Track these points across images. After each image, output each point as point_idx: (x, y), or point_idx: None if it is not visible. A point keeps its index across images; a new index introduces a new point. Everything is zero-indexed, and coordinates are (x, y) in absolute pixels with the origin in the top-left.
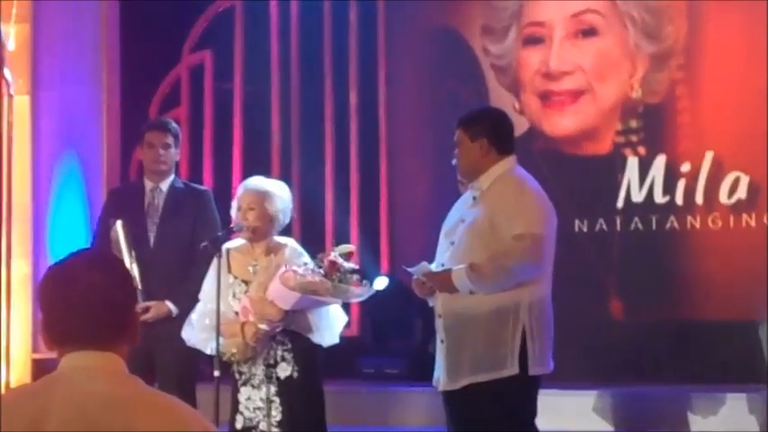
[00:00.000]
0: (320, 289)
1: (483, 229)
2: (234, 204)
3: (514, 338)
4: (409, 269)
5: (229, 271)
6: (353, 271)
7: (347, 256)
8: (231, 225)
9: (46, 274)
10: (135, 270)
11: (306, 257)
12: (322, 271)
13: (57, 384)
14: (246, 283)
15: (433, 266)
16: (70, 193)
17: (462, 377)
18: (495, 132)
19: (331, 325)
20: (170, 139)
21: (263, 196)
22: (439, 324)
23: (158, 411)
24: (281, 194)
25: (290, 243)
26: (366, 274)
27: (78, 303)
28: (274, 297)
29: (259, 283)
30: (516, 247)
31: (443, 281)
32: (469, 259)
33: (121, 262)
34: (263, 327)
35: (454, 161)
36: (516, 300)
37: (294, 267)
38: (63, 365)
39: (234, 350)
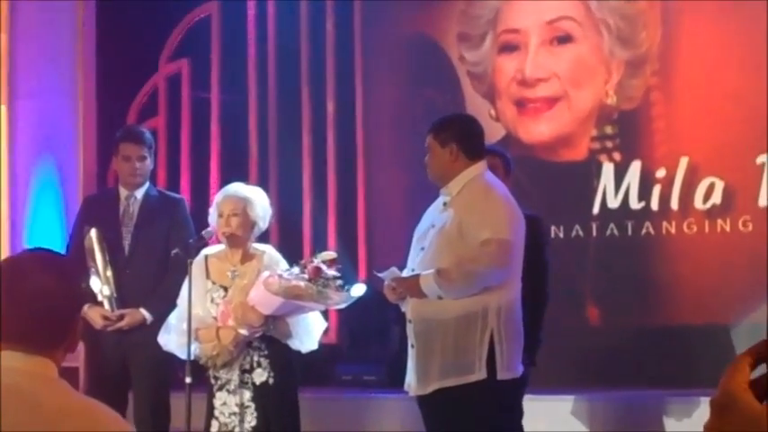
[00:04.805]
0: (304, 294)
1: (452, 234)
2: (212, 211)
3: (482, 343)
4: (379, 274)
5: (208, 276)
6: (335, 278)
7: (329, 263)
8: (203, 232)
9: None
10: (109, 277)
11: (284, 264)
12: (306, 276)
13: None
14: (225, 288)
15: (405, 272)
16: (47, 201)
17: (431, 382)
18: (464, 138)
19: (310, 331)
20: (145, 151)
21: (244, 203)
22: (410, 329)
23: (74, 414)
24: (261, 201)
25: (269, 250)
26: (345, 281)
27: (21, 303)
28: (256, 302)
29: (240, 288)
30: (483, 253)
31: (412, 286)
32: (438, 264)
33: (74, 268)
34: (243, 332)
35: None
36: (484, 305)
37: (278, 272)
38: None
39: (214, 353)
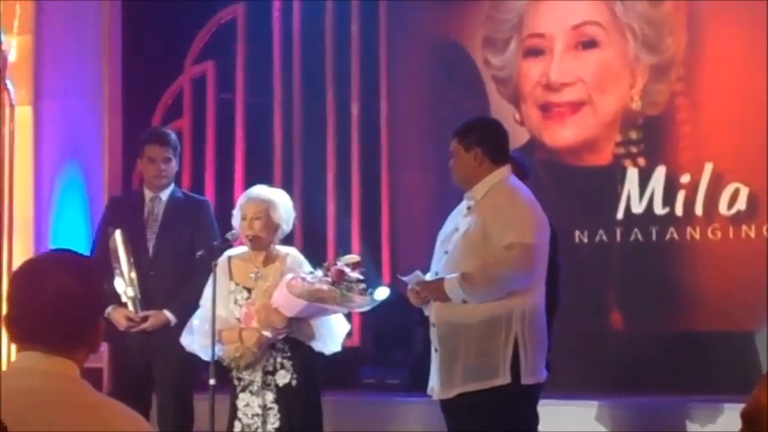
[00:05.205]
0: (327, 297)
1: (476, 238)
2: (236, 213)
3: (506, 347)
4: (403, 278)
5: (231, 278)
6: (359, 281)
7: (353, 267)
8: (227, 234)
9: (19, 267)
10: (134, 279)
11: (307, 266)
12: (329, 279)
13: (8, 381)
14: (248, 290)
15: (428, 276)
16: (72, 202)
17: (455, 386)
18: (489, 142)
19: (333, 333)
20: (170, 153)
21: (267, 205)
22: (433, 333)
23: (96, 414)
24: (284, 203)
25: (292, 252)
26: (368, 285)
27: (42, 304)
28: (279, 304)
29: (264, 290)
30: (507, 257)
31: (436, 290)
32: (462, 268)
33: (96, 268)
34: (267, 333)
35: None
36: (508, 309)
37: (302, 275)
38: (15, 363)
39: (237, 355)
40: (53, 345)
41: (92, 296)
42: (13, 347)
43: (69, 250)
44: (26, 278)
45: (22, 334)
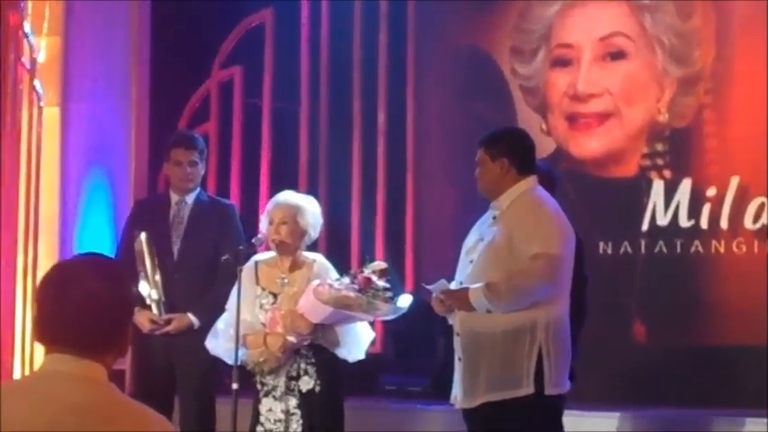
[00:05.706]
0: (353, 304)
1: (501, 248)
2: (264, 218)
3: (530, 358)
4: (428, 286)
5: (257, 282)
6: (385, 289)
7: (379, 274)
8: (253, 239)
9: (49, 270)
10: (158, 282)
11: (333, 273)
12: (356, 286)
13: (37, 384)
14: (274, 295)
15: (453, 284)
16: (98, 205)
17: (478, 395)
18: (515, 152)
19: (359, 341)
20: (196, 156)
21: (295, 211)
22: (457, 342)
23: (123, 416)
24: (312, 209)
25: (319, 258)
26: (393, 293)
27: (72, 308)
28: (305, 310)
29: (290, 295)
30: (532, 267)
31: (461, 299)
32: (487, 278)
33: (126, 274)
34: (292, 339)
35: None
36: (532, 319)
37: (329, 281)
38: (44, 365)
39: (261, 359)
40: (82, 348)
41: (122, 300)
42: (37, 348)
43: (99, 254)
44: (56, 282)
45: (52, 337)
